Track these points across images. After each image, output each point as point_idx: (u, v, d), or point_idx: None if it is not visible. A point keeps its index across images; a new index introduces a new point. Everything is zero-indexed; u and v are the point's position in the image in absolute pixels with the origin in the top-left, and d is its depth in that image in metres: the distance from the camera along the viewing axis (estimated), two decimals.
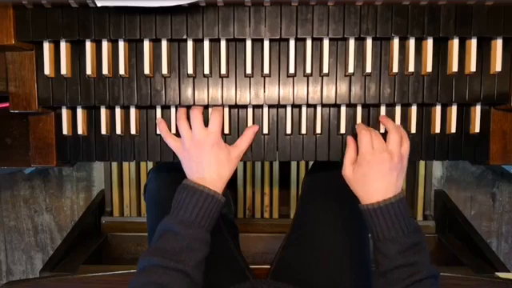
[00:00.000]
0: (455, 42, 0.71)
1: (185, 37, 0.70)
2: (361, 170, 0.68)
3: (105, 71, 0.72)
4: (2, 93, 0.74)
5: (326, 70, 0.72)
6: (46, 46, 0.72)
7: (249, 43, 0.72)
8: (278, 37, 0.70)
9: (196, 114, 0.71)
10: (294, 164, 1.50)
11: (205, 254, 0.66)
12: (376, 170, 0.66)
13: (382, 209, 0.64)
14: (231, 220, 1.01)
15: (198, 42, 0.72)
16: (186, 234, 0.64)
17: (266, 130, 0.76)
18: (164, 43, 0.72)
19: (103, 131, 0.75)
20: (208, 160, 0.69)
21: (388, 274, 0.63)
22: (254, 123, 0.75)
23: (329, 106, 0.75)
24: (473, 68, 0.71)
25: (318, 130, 0.75)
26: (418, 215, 1.51)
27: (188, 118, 0.73)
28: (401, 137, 0.69)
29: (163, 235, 0.66)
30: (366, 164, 0.67)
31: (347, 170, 0.70)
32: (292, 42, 0.72)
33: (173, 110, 0.75)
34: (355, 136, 0.72)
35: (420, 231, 0.66)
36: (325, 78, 0.73)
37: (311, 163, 1.13)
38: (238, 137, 0.75)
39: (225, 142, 0.75)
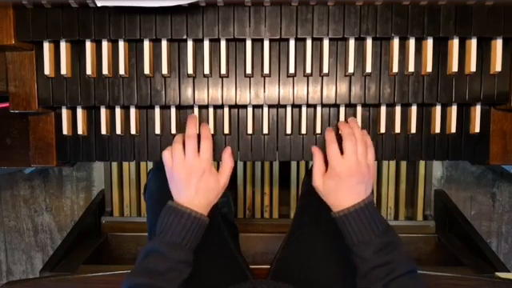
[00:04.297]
0: (455, 42, 0.71)
1: (185, 37, 0.70)
2: (331, 183, 0.69)
3: (105, 71, 0.72)
4: (2, 93, 0.74)
5: (326, 69, 0.72)
6: (46, 46, 0.72)
7: (249, 43, 0.72)
8: (278, 37, 0.70)
9: (191, 141, 0.70)
10: (294, 164, 1.50)
11: (187, 273, 0.67)
12: (345, 184, 0.68)
13: (352, 214, 0.66)
14: (231, 220, 1.01)
15: (198, 42, 0.72)
16: (173, 256, 0.66)
17: (266, 130, 0.76)
18: (164, 43, 0.72)
19: (103, 131, 0.75)
20: (197, 186, 0.69)
21: (367, 275, 0.65)
22: (254, 123, 0.76)
23: (329, 106, 0.75)
24: (473, 68, 0.71)
25: (318, 130, 0.75)
26: (418, 215, 1.51)
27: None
28: (366, 146, 0.70)
29: (149, 256, 0.67)
30: (337, 177, 0.68)
31: (317, 182, 0.70)
32: (292, 42, 0.72)
33: (173, 109, 0.75)
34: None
35: (391, 230, 0.68)
36: (325, 78, 0.73)
37: (311, 163, 1.13)
38: (238, 137, 0.75)
39: (225, 141, 0.75)
